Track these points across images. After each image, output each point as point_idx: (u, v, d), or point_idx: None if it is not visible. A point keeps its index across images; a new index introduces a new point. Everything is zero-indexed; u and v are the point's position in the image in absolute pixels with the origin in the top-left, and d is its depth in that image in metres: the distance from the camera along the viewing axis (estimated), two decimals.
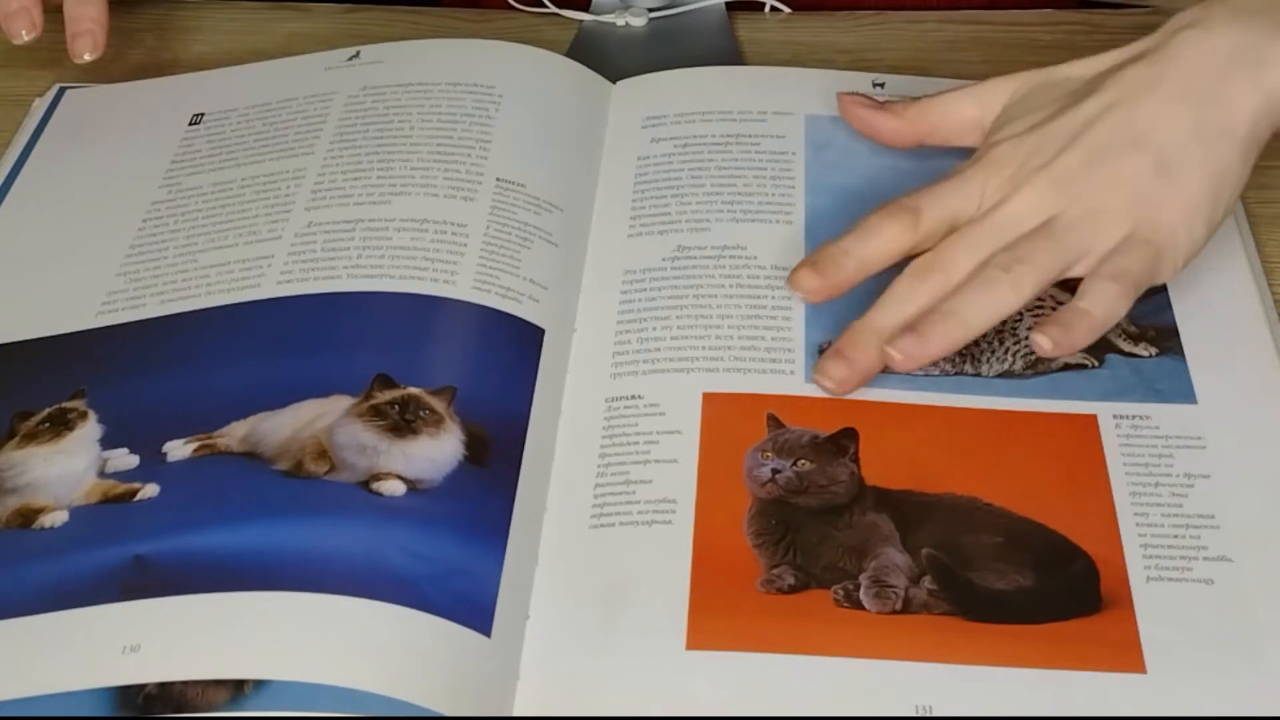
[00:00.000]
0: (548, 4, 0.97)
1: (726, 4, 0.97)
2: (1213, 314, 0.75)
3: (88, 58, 0.85)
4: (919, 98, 0.79)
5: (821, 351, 0.74)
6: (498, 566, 0.65)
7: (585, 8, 0.97)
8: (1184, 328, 0.74)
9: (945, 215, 0.72)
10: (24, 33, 0.85)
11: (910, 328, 0.69)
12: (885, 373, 0.71)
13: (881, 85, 0.88)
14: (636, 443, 0.70)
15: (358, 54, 0.91)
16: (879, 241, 0.72)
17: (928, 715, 0.60)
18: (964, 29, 0.95)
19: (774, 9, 0.97)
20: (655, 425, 0.71)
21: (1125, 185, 0.70)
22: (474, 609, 0.64)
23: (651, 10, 0.96)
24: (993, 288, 0.68)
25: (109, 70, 0.92)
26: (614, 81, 0.90)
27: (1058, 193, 0.70)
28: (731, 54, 0.94)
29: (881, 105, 0.80)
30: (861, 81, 0.88)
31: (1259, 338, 0.74)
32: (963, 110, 0.77)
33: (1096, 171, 0.70)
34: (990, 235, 0.70)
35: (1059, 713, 0.60)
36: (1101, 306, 0.68)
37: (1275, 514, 0.67)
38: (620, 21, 0.96)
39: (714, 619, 0.64)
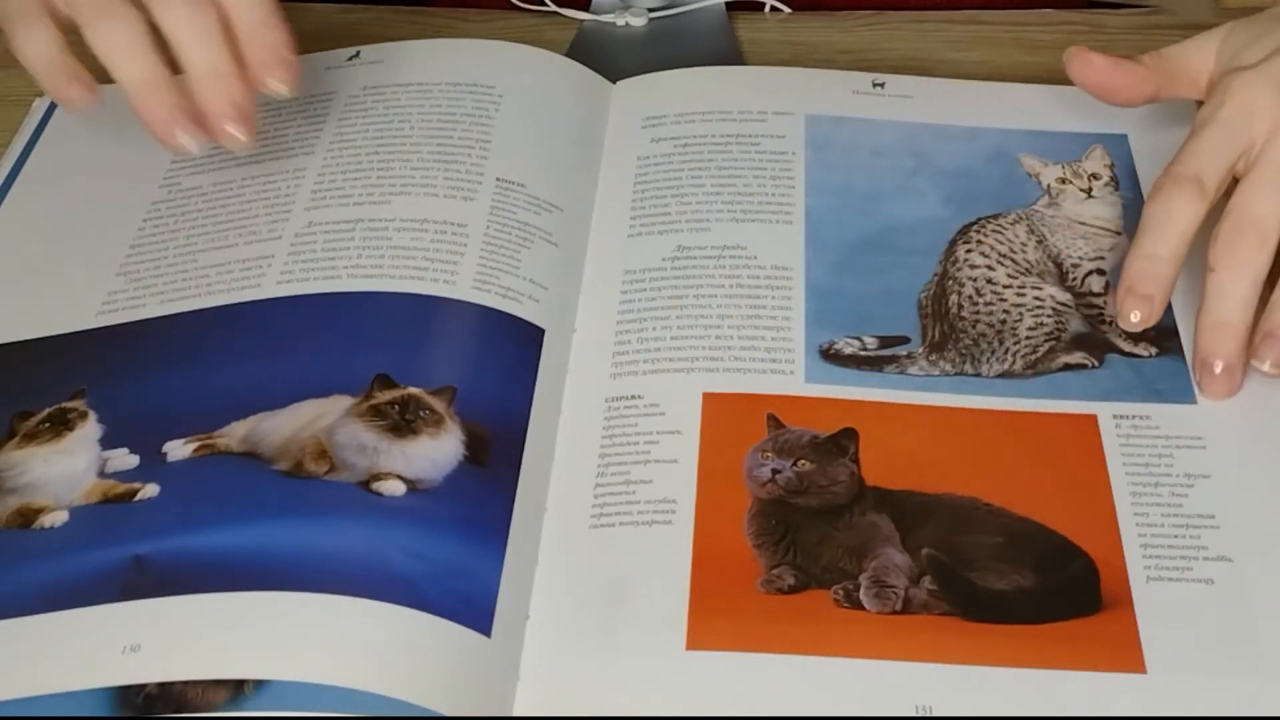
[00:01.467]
0: (548, 3, 0.97)
1: (726, 4, 0.97)
2: None
3: (277, 88, 0.74)
4: (1150, 53, 0.77)
5: (822, 352, 0.74)
6: (498, 566, 0.65)
7: (585, 8, 0.97)
8: (1184, 328, 0.74)
9: (1225, 168, 0.70)
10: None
11: (1269, 334, 0.68)
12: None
13: (881, 85, 0.88)
14: (636, 443, 0.70)
15: (358, 54, 0.91)
16: (1177, 226, 0.69)
17: (928, 715, 0.60)
18: (964, 29, 0.95)
19: (774, 9, 0.97)
20: (655, 425, 0.71)
21: None
22: (474, 609, 0.64)
23: (651, 10, 0.96)
24: None
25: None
26: (614, 81, 0.90)
27: None
28: (731, 54, 0.94)
29: (1120, 61, 0.77)
30: (861, 81, 0.88)
31: None
32: (1190, 60, 0.76)
33: None
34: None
35: (1059, 713, 0.60)
36: None
37: (1275, 514, 0.67)
38: (620, 21, 0.96)
39: (714, 619, 0.64)
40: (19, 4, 0.75)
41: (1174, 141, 0.82)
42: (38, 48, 0.74)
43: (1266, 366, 0.69)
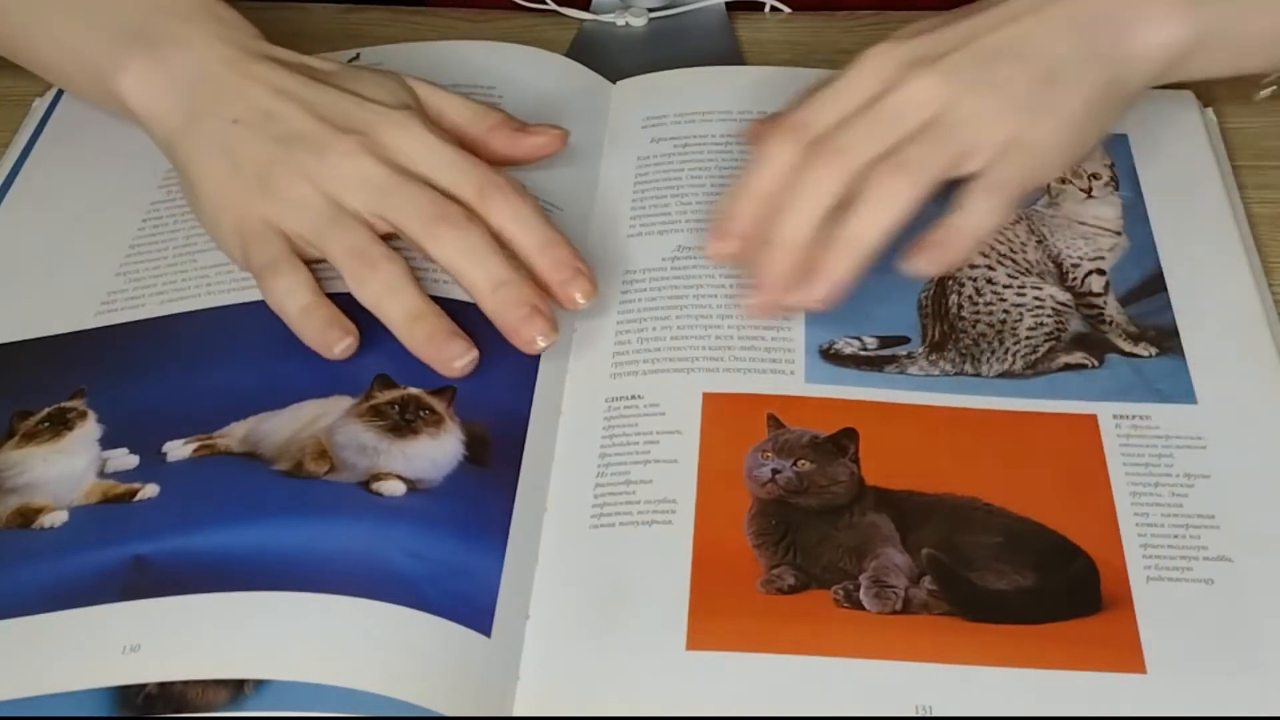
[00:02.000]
0: (549, 2, 0.97)
1: (726, 4, 0.97)
2: (1213, 314, 0.75)
3: (581, 301, 0.73)
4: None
5: (822, 352, 0.74)
6: (498, 566, 0.65)
7: (585, 8, 0.97)
8: (1184, 328, 0.74)
9: (832, 121, 0.71)
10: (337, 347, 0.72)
11: (813, 268, 0.69)
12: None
13: None
14: (636, 443, 0.70)
15: (358, 55, 0.91)
16: (778, 168, 0.71)
17: (928, 715, 0.60)
18: None
19: (774, 9, 0.97)
20: (655, 425, 0.71)
21: (1010, 89, 0.70)
22: (474, 609, 0.64)
23: (651, 10, 0.96)
24: (881, 201, 0.68)
25: None
26: (614, 81, 0.90)
27: (944, 84, 0.70)
28: (731, 54, 0.94)
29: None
30: None
31: (1259, 338, 0.74)
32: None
33: (984, 72, 0.70)
34: (882, 121, 0.70)
35: (1059, 713, 0.60)
36: (978, 219, 0.69)
37: (1275, 514, 0.67)
38: (620, 21, 0.96)
39: (714, 619, 0.64)
40: (266, 254, 0.73)
41: (1174, 142, 0.83)
42: (296, 297, 0.72)
43: (810, 299, 0.70)
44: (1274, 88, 0.80)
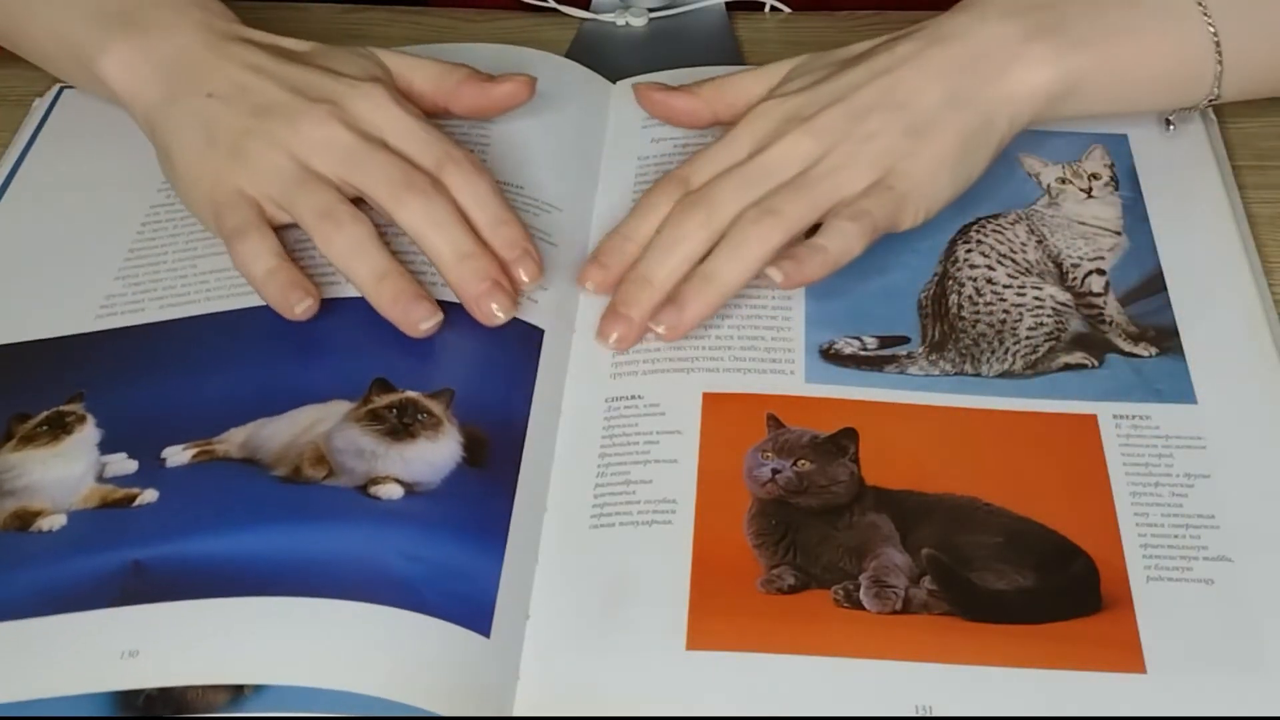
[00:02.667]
0: (550, 0, 0.97)
1: (726, 4, 0.97)
2: (1213, 314, 0.75)
3: (526, 281, 0.75)
4: (712, 79, 0.82)
5: (822, 352, 0.74)
6: (497, 567, 0.65)
7: (585, 7, 0.97)
8: (1184, 328, 0.74)
9: (710, 175, 0.74)
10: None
11: (670, 298, 0.72)
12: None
13: None
14: (636, 443, 0.70)
15: None
16: (656, 217, 0.74)
17: (928, 715, 0.60)
18: None
19: (774, 9, 0.97)
20: (655, 425, 0.71)
21: (878, 139, 0.74)
22: (473, 610, 0.64)
23: (651, 10, 0.96)
24: (743, 245, 0.71)
25: None
26: (614, 81, 0.90)
27: (815, 141, 0.74)
28: (731, 54, 0.94)
29: (676, 88, 0.82)
30: None
31: (1259, 338, 0.73)
32: (751, 89, 0.80)
33: (854, 126, 0.74)
34: (751, 177, 0.73)
35: (1059, 713, 0.60)
36: (837, 243, 0.71)
37: (1275, 514, 0.67)
38: (620, 21, 0.96)
39: (714, 619, 0.64)
40: (236, 219, 0.75)
41: (1174, 142, 0.83)
42: (262, 261, 0.74)
43: (661, 329, 0.72)
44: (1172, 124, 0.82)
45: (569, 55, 0.93)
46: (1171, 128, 0.82)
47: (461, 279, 0.73)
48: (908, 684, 0.61)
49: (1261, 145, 0.85)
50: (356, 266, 0.73)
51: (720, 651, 0.63)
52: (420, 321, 0.72)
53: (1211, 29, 0.75)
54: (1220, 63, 0.76)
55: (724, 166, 0.75)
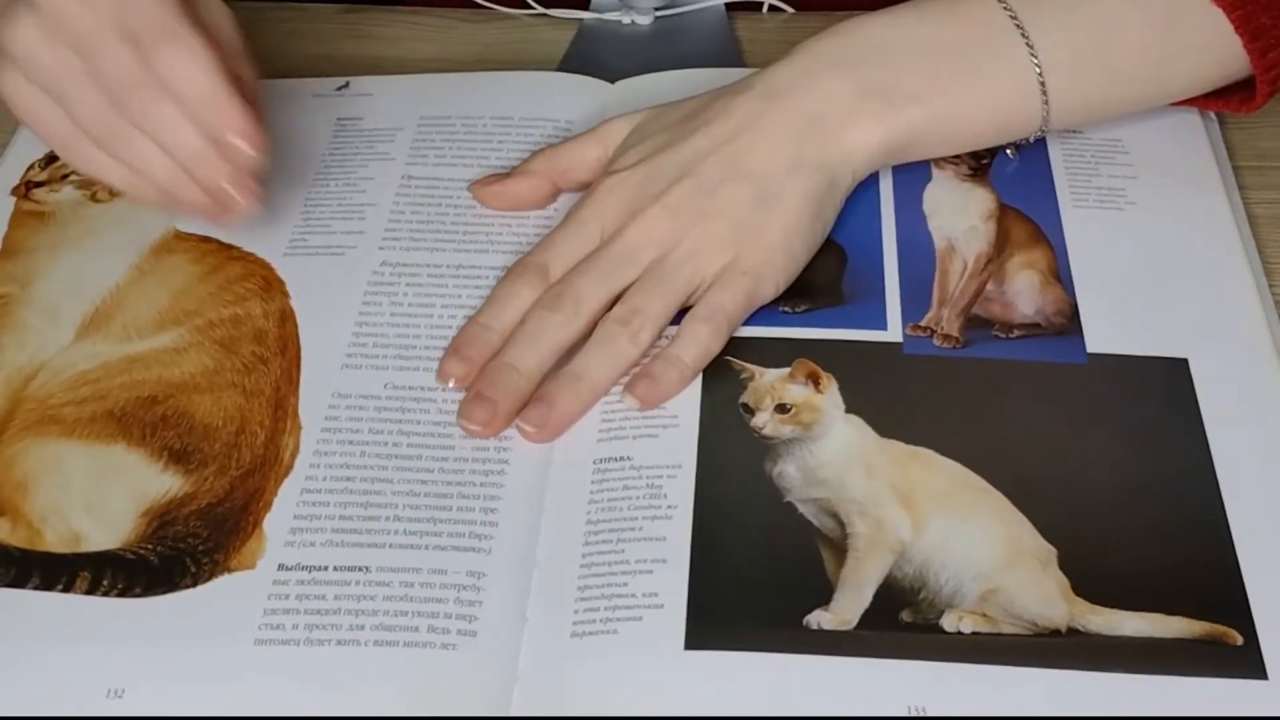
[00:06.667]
0: (532, 3, 0.96)
1: (726, 4, 0.97)
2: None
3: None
4: (542, 149, 0.81)
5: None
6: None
7: (585, 7, 0.97)
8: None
9: (571, 260, 0.74)
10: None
11: (539, 396, 0.70)
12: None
13: None
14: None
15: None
16: (516, 306, 0.73)
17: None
18: None
19: (774, 9, 0.97)
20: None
21: (728, 214, 0.74)
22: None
23: (652, 10, 0.96)
24: (612, 343, 0.71)
25: None
26: (612, 81, 0.90)
27: (670, 221, 0.74)
28: (731, 54, 0.94)
29: (507, 174, 0.81)
30: None
31: (1259, 337, 0.73)
32: (586, 152, 0.80)
33: (704, 201, 0.74)
34: (613, 264, 0.73)
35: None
36: (693, 351, 0.72)
37: (1276, 514, 0.67)
38: (626, 19, 0.96)
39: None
40: None
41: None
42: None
43: (530, 428, 0.70)
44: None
45: (568, 55, 0.93)
46: (1011, 153, 0.83)
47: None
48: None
49: (1261, 145, 0.85)
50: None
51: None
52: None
53: (1038, 68, 0.76)
54: (1046, 101, 0.76)
55: (580, 251, 0.74)
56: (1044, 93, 0.76)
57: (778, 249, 0.74)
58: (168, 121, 0.70)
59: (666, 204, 0.74)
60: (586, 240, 0.74)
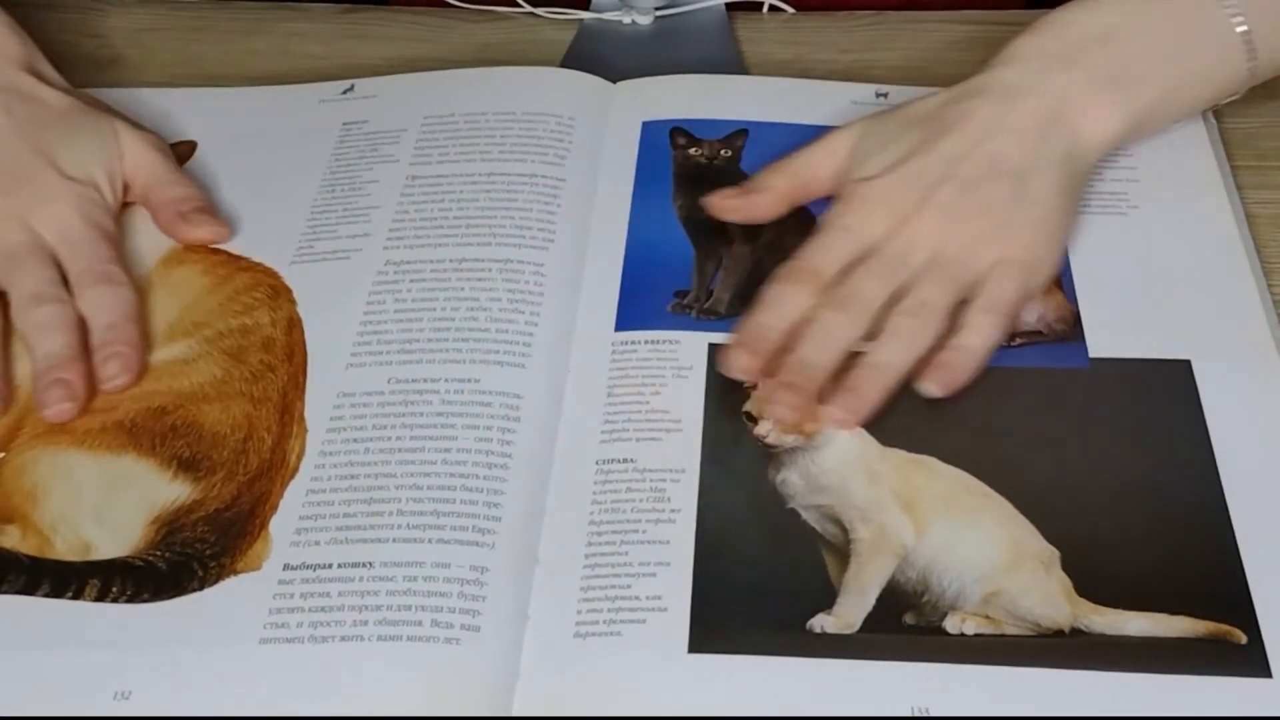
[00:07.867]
0: (524, 4, 0.96)
1: (726, 4, 0.97)
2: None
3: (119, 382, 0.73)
4: (773, 165, 0.81)
5: None
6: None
7: (585, 7, 0.97)
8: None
9: (840, 263, 0.75)
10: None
11: (846, 386, 0.71)
12: None
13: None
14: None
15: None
16: (792, 305, 0.74)
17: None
18: (964, 29, 0.95)
19: (774, 9, 0.97)
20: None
21: (992, 212, 0.76)
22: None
23: (654, 10, 0.96)
24: (906, 335, 0.73)
25: (107, 73, 0.92)
26: (614, 81, 0.90)
27: (940, 222, 0.76)
28: (731, 53, 0.94)
29: (748, 189, 0.81)
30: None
31: (1259, 338, 0.74)
32: (820, 164, 0.81)
33: (969, 201, 0.76)
34: (892, 266, 0.75)
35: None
36: (980, 339, 0.73)
37: (1276, 514, 0.67)
38: (627, 19, 0.96)
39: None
40: None
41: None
42: None
43: (840, 414, 0.71)
44: None
45: (569, 55, 0.93)
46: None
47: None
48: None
49: (1261, 145, 0.85)
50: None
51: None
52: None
53: (1244, 29, 0.79)
54: (1254, 58, 0.80)
55: (846, 255, 0.76)
56: (1251, 54, 0.79)
57: (1041, 239, 0.76)
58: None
59: (934, 206, 0.76)
60: (851, 244, 0.76)
